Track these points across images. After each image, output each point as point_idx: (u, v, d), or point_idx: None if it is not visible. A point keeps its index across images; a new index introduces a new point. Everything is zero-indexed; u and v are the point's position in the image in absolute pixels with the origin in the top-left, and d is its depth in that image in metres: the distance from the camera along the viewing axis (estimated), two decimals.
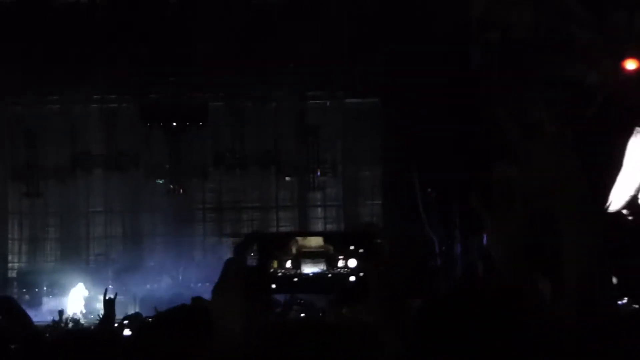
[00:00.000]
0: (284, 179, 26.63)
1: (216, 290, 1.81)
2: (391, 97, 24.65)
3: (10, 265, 26.23)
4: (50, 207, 26.45)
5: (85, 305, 22.65)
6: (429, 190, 23.32)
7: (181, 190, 26.18)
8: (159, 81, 25.09)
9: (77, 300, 22.73)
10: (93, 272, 24.25)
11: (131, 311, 20.63)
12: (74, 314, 21.31)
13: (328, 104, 26.72)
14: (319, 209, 27.08)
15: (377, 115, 25.73)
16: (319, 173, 26.44)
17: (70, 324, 18.68)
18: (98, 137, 26.05)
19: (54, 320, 18.65)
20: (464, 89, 21.51)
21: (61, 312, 19.75)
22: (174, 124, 25.76)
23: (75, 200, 26.32)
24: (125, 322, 17.67)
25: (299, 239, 1.84)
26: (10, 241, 26.54)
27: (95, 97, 25.91)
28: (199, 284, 22.78)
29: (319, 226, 26.83)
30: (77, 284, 23.30)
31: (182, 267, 24.24)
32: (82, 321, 20.60)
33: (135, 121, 25.61)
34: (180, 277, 23.76)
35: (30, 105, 25.61)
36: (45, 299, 22.89)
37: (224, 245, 25.19)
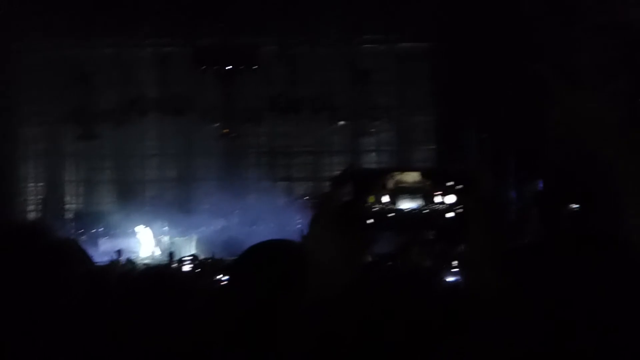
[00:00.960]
0: (337, 123, 26.59)
1: (312, 224, 1.79)
2: (445, 40, 24.45)
3: (67, 206, 26.57)
4: (105, 149, 26.70)
5: (142, 247, 22.89)
6: (484, 134, 23.18)
7: (235, 134, 26.27)
8: (212, 24, 25.10)
9: (134, 241, 22.96)
10: (148, 214, 24.42)
11: (186, 253, 20.90)
12: (132, 255, 21.52)
13: (381, 48, 26.53)
14: (372, 154, 27.02)
15: (431, 59, 25.55)
16: (372, 117, 26.40)
17: (128, 265, 18.88)
18: (153, 80, 26.17)
19: (112, 261, 18.85)
20: (516, 34, 21.26)
21: (119, 253, 19.98)
22: (227, 67, 25.80)
23: (130, 143, 26.53)
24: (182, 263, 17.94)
25: (397, 174, 1.81)
26: (66, 183, 26.87)
27: (148, 40, 25.98)
28: (253, 227, 22.92)
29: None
30: (132, 226, 23.54)
31: (236, 210, 24.36)
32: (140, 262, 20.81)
33: (189, 65, 25.68)
34: (235, 220, 23.87)
35: (85, 49, 25.75)
36: (101, 241, 23.10)
37: (277, 189, 25.32)
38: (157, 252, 22.42)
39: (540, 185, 20.05)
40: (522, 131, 20.93)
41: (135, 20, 25.07)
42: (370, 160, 26.69)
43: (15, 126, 25.99)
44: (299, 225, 21.84)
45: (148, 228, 23.18)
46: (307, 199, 25.28)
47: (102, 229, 23.99)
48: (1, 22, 22.20)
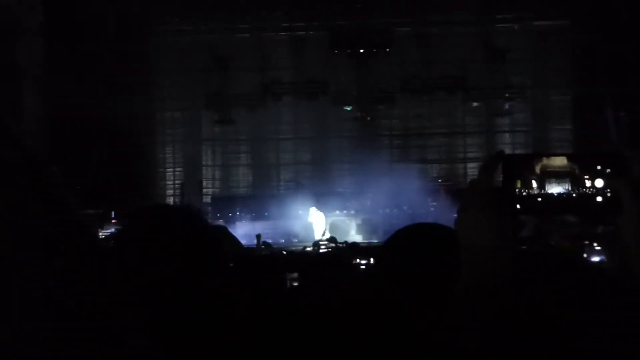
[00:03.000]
0: (471, 104, 26.35)
1: (461, 211, 1.79)
2: (581, 18, 23.91)
3: (204, 190, 27.09)
4: (241, 134, 27.12)
5: (279, 230, 23.08)
6: (622, 113, 22.62)
7: (368, 117, 26.33)
8: (346, 7, 25.17)
9: (270, 224, 23.17)
10: (283, 197, 24.65)
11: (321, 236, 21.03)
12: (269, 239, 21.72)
13: (516, 27, 26.14)
14: (507, 135, 26.69)
15: (567, 37, 25.04)
16: (507, 98, 26.07)
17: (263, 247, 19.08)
18: (287, 64, 26.41)
19: (255, 245, 18.96)
20: None
21: (259, 236, 20.17)
22: (361, 50, 25.85)
23: (265, 127, 26.86)
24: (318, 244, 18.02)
25: (544, 159, 1.80)
26: (204, 167, 27.40)
27: (284, 24, 26.20)
28: (387, 210, 22.88)
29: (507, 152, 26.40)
30: (268, 209, 23.81)
31: (369, 193, 24.35)
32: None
33: (323, 48, 25.82)
34: (369, 203, 23.87)
35: (222, 34, 26.16)
36: (238, 224, 23.34)
37: (410, 172, 25.26)
38: (298, 235, 22.55)
39: None
40: None
41: (272, 5, 25.32)
42: (505, 141, 26.36)
43: (155, 111, 26.62)
44: (432, 209, 21.72)
45: (282, 211, 23.36)
46: (440, 181, 25.16)
47: (237, 213, 24.31)
48: (142, 6, 22.68)
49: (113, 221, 15.92)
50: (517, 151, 24.18)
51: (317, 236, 21.51)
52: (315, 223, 22.66)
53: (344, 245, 16.99)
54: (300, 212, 23.21)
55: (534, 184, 1.83)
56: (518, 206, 1.80)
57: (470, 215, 1.78)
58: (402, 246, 2.38)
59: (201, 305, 1.98)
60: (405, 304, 2.23)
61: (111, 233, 9.79)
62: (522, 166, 1.83)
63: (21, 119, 20.32)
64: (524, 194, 1.81)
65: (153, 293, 1.97)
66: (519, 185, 1.81)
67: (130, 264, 2.01)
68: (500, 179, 1.81)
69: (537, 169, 1.84)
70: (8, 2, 20.47)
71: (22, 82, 20.39)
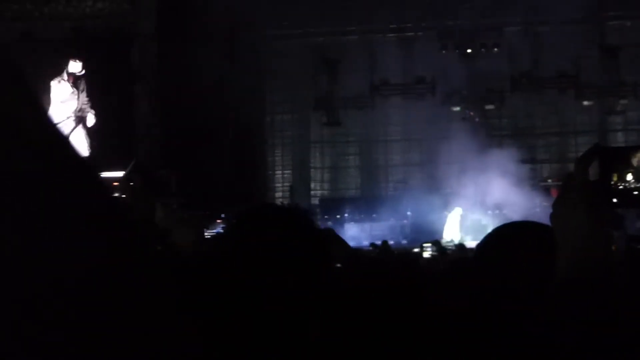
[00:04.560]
0: (583, 103, 25.87)
1: (556, 205, 1.79)
2: None
3: (312, 192, 27.24)
4: (349, 136, 27.19)
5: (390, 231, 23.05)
6: None
7: (477, 118, 26.10)
8: (455, 7, 25.04)
9: (380, 226, 23.13)
10: (392, 199, 24.59)
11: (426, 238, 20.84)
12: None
13: (629, 23, 25.57)
14: (620, 134, 26.15)
15: None
16: (619, 96, 25.54)
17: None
18: (395, 65, 26.32)
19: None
20: None
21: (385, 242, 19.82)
22: (469, 50, 25.65)
23: (374, 129, 26.87)
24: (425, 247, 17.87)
25: None
26: (312, 169, 27.56)
27: (392, 26, 26.16)
28: (496, 211, 22.63)
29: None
30: (376, 211, 23.79)
31: (480, 194, 24.08)
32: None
33: (431, 48, 25.64)
34: (478, 204, 23.63)
35: (330, 36, 26.26)
36: (347, 225, 23.34)
37: (521, 171, 24.92)
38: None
39: None
40: None
41: (380, 6, 25.32)
42: (617, 140, 25.83)
43: (264, 114, 26.91)
44: (538, 209, 21.34)
45: (391, 212, 23.32)
46: (550, 181, 24.75)
47: (346, 214, 24.37)
48: (250, 11, 22.88)
49: (218, 221, 16.06)
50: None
51: (448, 237, 21.46)
52: (450, 224, 22.53)
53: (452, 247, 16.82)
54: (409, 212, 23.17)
55: (631, 177, 1.81)
56: (614, 200, 1.79)
57: (566, 209, 1.78)
58: (496, 245, 2.37)
59: (303, 306, 1.99)
60: (500, 304, 2.23)
61: (217, 233, 9.93)
62: (618, 159, 1.82)
63: (134, 124, 20.79)
64: (620, 187, 1.80)
65: (251, 293, 1.99)
66: (615, 178, 1.80)
67: (232, 265, 2.03)
68: (597, 173, 1.81)
69: (634, 162, 1.82)
70: (123, 9, 20.97)
71: (136, 87, 20.85)
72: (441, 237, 20.96)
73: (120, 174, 14.88)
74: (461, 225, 22.28)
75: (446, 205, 23.39)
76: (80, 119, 19.25)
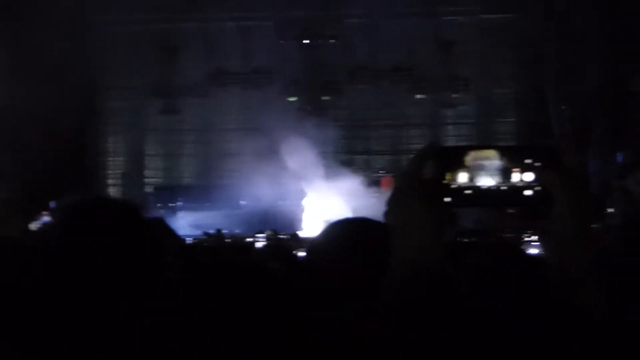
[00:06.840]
0: (416, 96, 26.43)
1: (390, 203, 1.76)
2: (527, 12, 24.14)
3: (146, 180, 26.89)
4: (186, 124, 26.96)
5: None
6: (563, 107, 22.89)
7: (313, 108, 26.28)
8: None
9: (212, 215, 23.03)
10: (227, 188, 24.52)
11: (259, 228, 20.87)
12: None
13: (463, 19, 26.26)
14: (451, 127, 26.83)
15: (513, 31, 25.22)
16: (451, 90, 26.21)
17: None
18: (234, 54, 26.24)
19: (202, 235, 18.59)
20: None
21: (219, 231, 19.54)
22: (308, 41, 25.80)
23: (211, 117, 26.73)
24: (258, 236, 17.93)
25: (473, 152, 1.78)
26: (147, 157, 27.20)
27: (231, 15, 26.03)
28: (336, 201, 22.86)
29: (450, 144, 26.54)
30: (211, 200, 23.73)
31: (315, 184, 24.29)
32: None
33: (270, 39, 25.68)
34: (313, 195, 23.84)
35: (169, 23, 25.92)
36: (180, 214, 23.22)
37: (355, 163, 25.29)
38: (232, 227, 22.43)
39: (620, 158, 19.68)
40: (604, 103, 20.62)
41: None
42: (449, 133, 26.50)
43: (99, 101, 26.35)
44: (374, 199, 21.68)
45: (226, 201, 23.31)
46: (383, 173, 25.21)
47: (179, 203, 24.21)
48: None
49: (44, 212, 15.33)
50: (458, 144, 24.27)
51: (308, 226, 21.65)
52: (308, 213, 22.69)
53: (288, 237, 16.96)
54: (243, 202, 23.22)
55: (464, 176, 1.81)
56: (447, 198, 1.78)
57: (401, 207, 1.76)
58: (331, 241, 2.35)
59: (133, 300, 1.94)
60: (337, 297, 2.21)
61: (42, 224, 9.62)
62: (452, 158, 1.82)
63: None
64: (453, 186, 1.79)
65: (79, 289, 1.93)
66: (448, 177, 1.79)
67: (60, 259, 1.97)
68: (431, 172, 1.79)
69: (467, 162, 1.82)
70: None
71: None
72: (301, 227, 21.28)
73: None
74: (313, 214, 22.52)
75: (284, 195, 23.53)
76: None
